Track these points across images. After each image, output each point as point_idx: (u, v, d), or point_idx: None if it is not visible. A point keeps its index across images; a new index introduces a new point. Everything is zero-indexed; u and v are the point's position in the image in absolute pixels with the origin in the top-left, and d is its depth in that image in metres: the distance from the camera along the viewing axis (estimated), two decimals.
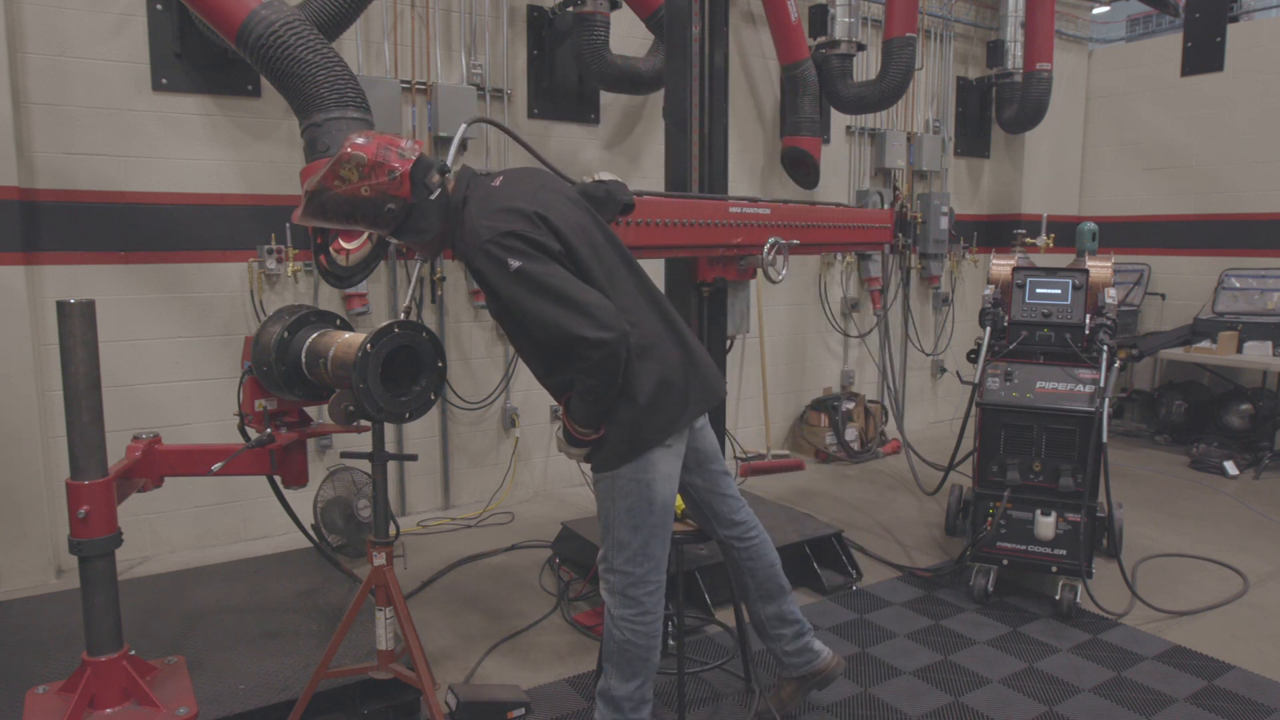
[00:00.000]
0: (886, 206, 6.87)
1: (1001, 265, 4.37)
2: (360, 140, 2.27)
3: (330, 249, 3.76)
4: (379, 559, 2.59)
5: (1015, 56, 7.18)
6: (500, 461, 5.57)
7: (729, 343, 3.92)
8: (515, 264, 2.24)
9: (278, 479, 2.94)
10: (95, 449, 2.43)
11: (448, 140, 4.94)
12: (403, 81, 4.93)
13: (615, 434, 2.44)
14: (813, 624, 3.01)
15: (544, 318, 2.25)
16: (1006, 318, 4.24)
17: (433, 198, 2.32)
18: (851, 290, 7.13)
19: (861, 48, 6.25)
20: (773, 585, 2.90)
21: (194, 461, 2.79)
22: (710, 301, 3.77)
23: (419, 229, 2.34)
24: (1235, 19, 7.27)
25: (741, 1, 6.27)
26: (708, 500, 2.82)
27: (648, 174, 5.87)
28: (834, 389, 7.10)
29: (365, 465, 2.68)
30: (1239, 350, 6.56)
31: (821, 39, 6.22)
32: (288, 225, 4.66)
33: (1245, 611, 3.97)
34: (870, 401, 6.99)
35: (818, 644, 2.97)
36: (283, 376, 2.74)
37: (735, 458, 6.12)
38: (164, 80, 4.36)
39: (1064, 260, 4.44)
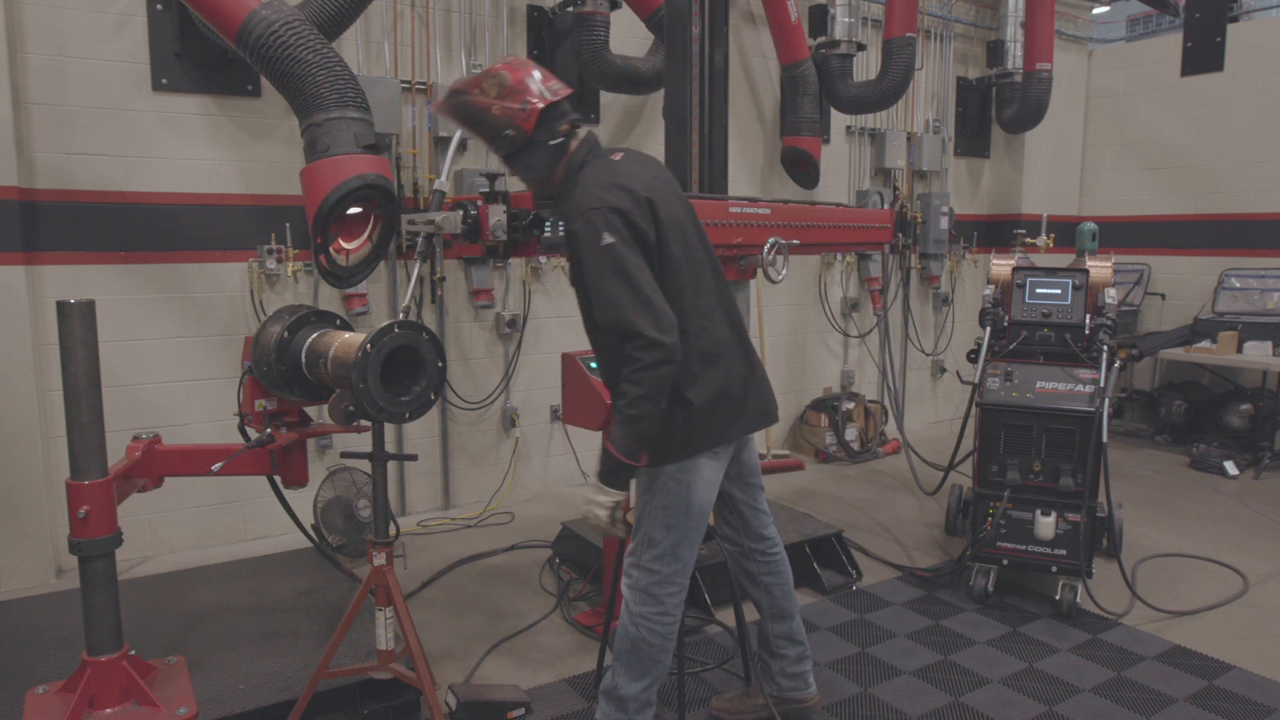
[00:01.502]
0: (886, 206, 6.87)
1: (1001, 265, 4.37)
2: (515, 63, 2.37)
3: (330, 249, 3.76)
4: (379, 559, 2.59)
5: (1015, 56, 7.17)
6: (500, 461, 5.57)
7: None
8: (608, 239, 2.26)
9: (278, 479, 2.94)
10: (95, 449, 2.42)
11: (447, 140, 4.94)
12: (403, 81, 4.93)
13: (668, 431, 2.43)
14: (812, 624, 3.01)
15: (613, 299, 2.25)
16: (1006, 318, 4.24)
17: (551, 143, 2.38)
18: (851, 290, 7.13)
19: (861, 48, 6.25)
20: (786, 604, 2.90)
21: (194, 461, 2.79)
22: None
23: (528, 164, 2.42)
24: (1235, 19, 7.26)
25: (741, 1, 6.27)
26: (742, 512, 2.83)
27: None
28: (834, 389, 7.10)
29: (365, 465, 2.68)
30: (1239, 350, 6.56)
31: (821, 39, 6.22)
32: (288, 225, 4.66)
33: (1245, 611, 3.97)
34: (870, 401, 6.99)
35: (811, 676, 2.97)
36: (283, 376, 2.74)
37: None
38: (164, 80, 4.37)
39: (1064, 260, 4.44)
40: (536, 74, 2.37)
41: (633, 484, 2.52)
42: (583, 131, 2.46)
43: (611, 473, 2.35)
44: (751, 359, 2.63)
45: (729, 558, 2.92)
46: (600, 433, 3.54)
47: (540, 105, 2.33)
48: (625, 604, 2.58)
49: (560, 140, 2.40)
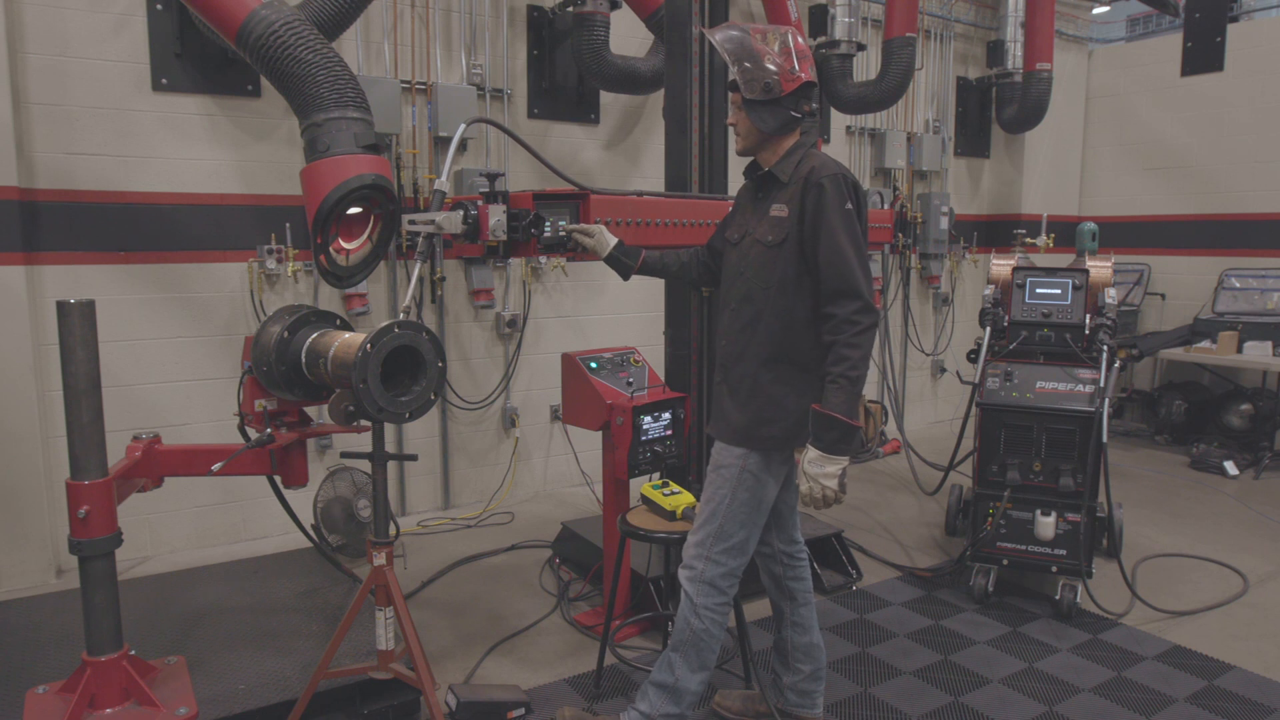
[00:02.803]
0: (886, 206, 6.87)
1: (1001, 265, 4.37)
2: (799, 38, 2.57)
3: (330, 249, 3.76)
4: (379, 559, 2.59)
5: (1015, 56, 7.17)
6: (500, 461, 5.57)
7: None
8: (849, 206, 2.47)
9: (278, 479, 2.94)
10: (95, 449, 2.42)
11: (447, 140, 4.94)
12: (403, 81, 4.93)
13: (797, 417, 2.50)
14: None
15: (845, 258, 2.41)
16: (1006, 318, 4.24)
17: (791, 112, 2.56)
18: None
19: (861, 48, 6.24)
20: (808, 613, 2.89)
21: (194, 461, 2.79)
22: (710, 301, 3.77)
23: (762, 117, 2.56)
24: (1235, 19, 7.27)
25: (741, 2, 6.27)
26: (781, 511, 2.85)
27: (648, 174, 5.87)
28: None
29: (365, 465, 2.68)
30: (1239, 350, 6.55)
31: (821, 39, 6.22)
32: (288, 225, 4.66)
33: (1245, 611, 3.98)
34: (870, 401, 6.99)
35: (821, 698, 2.95)
36: (283, 376, 2.73)
37: None
38: (164, 80, 4.37)
39: (1064, 260, 4.44)
40: (811, 56, 2.59)
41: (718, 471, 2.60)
42: (801, 134, 2.65)
43: (843, 440, 2.38)
44: None
45: (759, 560, 2.92)
46: (592, 435, 3.55)
47: (804, 79, 2.52)
48: (686, 596, 2.60)
49: (799, 117, 2.57)
